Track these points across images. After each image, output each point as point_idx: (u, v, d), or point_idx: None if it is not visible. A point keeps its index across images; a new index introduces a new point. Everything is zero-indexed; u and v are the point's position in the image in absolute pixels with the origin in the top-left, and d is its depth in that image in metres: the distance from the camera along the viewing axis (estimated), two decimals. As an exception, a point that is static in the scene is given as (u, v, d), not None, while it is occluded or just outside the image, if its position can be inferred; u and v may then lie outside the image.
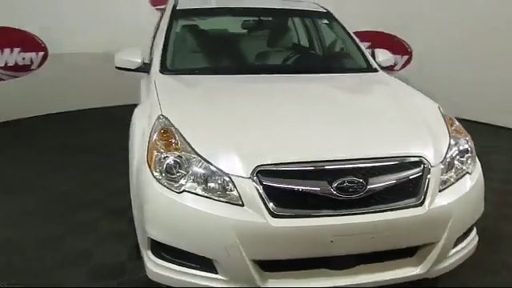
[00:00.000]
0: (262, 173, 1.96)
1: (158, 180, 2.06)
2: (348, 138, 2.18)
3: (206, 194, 1.99)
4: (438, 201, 2.09)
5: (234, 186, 1.96)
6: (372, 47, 4.53)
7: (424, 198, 2.06)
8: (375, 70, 3.27)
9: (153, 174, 2.08)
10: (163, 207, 2.03)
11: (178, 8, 3.49)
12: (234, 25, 3.80)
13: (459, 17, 5.79)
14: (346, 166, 2.01)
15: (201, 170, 2.03)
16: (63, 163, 4.39)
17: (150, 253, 2.16)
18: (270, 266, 2.02)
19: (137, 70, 3.16)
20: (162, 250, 2.11)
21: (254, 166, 1.96)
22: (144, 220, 2.10)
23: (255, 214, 1.92)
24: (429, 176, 2.09)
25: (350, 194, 1.96)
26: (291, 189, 1.97)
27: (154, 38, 4.03)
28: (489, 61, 5.67)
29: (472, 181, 2.26)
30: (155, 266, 2.13)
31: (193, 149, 2.08)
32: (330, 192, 1.96)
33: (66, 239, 2.99)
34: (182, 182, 2.04)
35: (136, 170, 2.25)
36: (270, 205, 1.93)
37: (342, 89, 2.95)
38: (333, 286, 2.04)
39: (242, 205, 1.94)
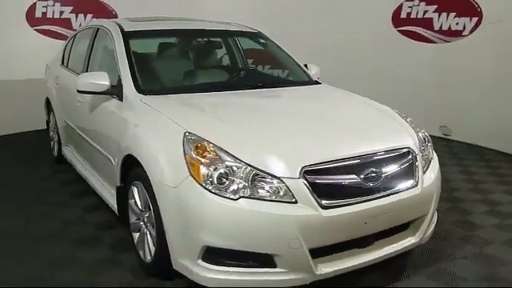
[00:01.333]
0: (306, 172, 2.26)
1: (211, 191, 2.21)
2: (357, 137, 2.61)
3: (259, 197, 2.22)
4: (426, 181, 2.64)
5: (286, 186, 2.22)
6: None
7: (417, 180, 2.59)
8: (317, 83, 3.76)
9: (204, 186, 2.22)
10: (223, 215, 2.20)
11: (126, 30, 3.51)
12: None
13: (333, 33, 6.73)
14: (367, 160, 2.43)
15: (251, 177, 2.24)
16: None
17: (201, 261, 2.27)
18: (315, 254, 2.30)
19: (103, 93, 3.13)
20: (217, 255, 2.25)
21: (300, 167, 2.26)
22: (198, 230, 2.22)
23: (309, 208, 2.22)
24: (417, 163, 2.63)
25: (373, 182, 2.39)
26: (331, 183, 2.33)
27: (89, 60, 3.90)
28: (360, 69, 6.64)
29: (435, 164, 2.88)
30: (210, 272, 2.26)
31: (237, 158, 2.27)
32: (359, 182, 2.36)
33: (53, 276, 2.76)
34: (234, 189, 2.22)
35: (172, 188, 2.32)
36: (320, 198, 2.24)
37: (318, 99, 3.37)
38: (363, 262, 2.43)
39: (296, 202, 2.22)
